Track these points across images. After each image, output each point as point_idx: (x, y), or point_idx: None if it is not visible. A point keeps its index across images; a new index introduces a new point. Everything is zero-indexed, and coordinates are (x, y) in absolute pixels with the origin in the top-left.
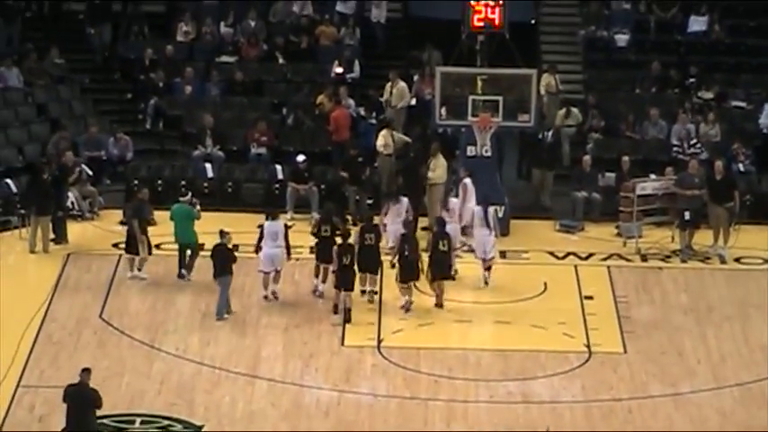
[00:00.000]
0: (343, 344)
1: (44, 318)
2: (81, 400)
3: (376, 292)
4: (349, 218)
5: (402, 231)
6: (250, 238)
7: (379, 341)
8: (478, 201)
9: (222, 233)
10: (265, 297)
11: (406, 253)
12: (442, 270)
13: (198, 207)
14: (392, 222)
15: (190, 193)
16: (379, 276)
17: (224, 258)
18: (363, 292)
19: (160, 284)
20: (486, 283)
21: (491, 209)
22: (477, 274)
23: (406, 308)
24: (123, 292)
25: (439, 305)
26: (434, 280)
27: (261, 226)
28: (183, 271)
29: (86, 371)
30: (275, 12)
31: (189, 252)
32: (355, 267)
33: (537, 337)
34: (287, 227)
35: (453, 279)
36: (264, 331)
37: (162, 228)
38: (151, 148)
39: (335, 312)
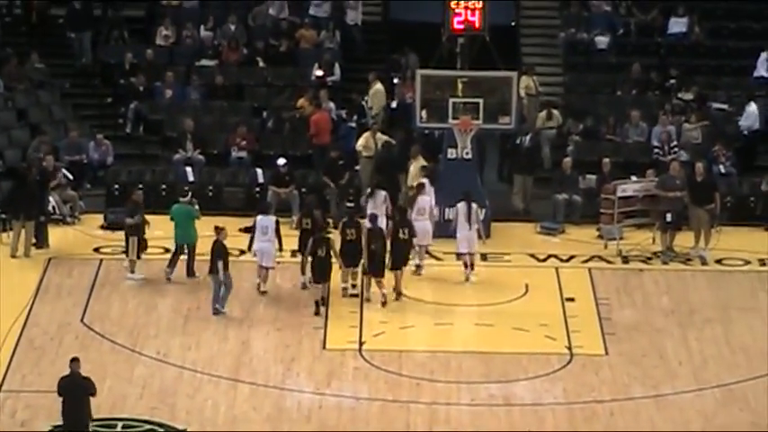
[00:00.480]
0: (324, 347)
1: (25, 322)
2: (76, 390)
3: (354, 286)
4: (330, 221)
5: (370, 226)
6: (230, 242)
7: (361, 344)
8: (460, 198)
9: (217, 229)
10: (258, 287)
11: (373, 246)
12: (402, 258)
13: (197, 207)
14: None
15: (190, 193)
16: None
17: (221, 254)
18: (345, 289)
19: (141, 289)
20: (468, 279)
21: (474, 205)
22: (456, 278)
23: (383, 301)
24: (105, 296)
25: (398, 293)
26: (393, 269)
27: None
28: (168, 272)
29: (75, 360)
30: (254, 16)
31: (188, 252)
32: (332, 260)
33: (518, 340)
34: (278, 221)
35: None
36: (246, 335)
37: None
38: (132, 152)
39: (317, 313)
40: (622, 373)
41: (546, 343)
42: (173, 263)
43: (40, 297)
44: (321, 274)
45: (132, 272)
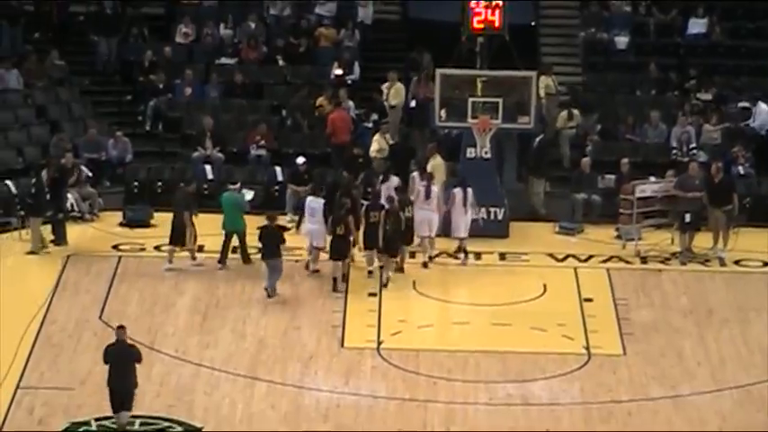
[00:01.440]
0: (342, 346)
1: (44, 319)
2: (123, 356)
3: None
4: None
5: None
6: (248, 241)
7: (379, 343)
8: (456, 184)
9: (269, 216)
10: (306, 266)
11: (388, 227)
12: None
13: (247, 197)
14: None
15: (239, 182)
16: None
17: (273, 240)
18: (370, 272)
19: (159, 286)
20: (465, 263)
21: (469, 190)
22: (475, 276)
23: (384, 283)
24: (123, 293)
25: (400, 269)
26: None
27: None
28: (220, 264)
29: (122, 328)
30: (268, 15)
31: (238, 241)
32: (351, 238)
33: (536, 340)
34: (326, 204)
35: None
36: (264, 333)
37: (163, 229)
38: (151, 149)
39: (335, 289)
40: (640, 373)
41: (564, 343)
42: (223, 254)
43: (58, 294)
44: (338, 251)
45: (194, 259)
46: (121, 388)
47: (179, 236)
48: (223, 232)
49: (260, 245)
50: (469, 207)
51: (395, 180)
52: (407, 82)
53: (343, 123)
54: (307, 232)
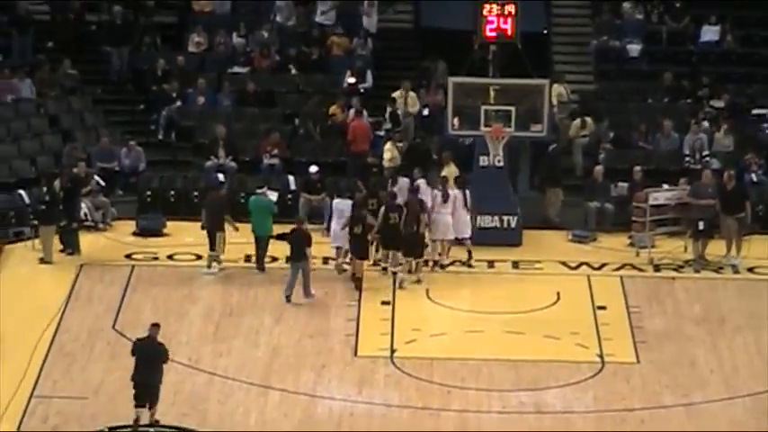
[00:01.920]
0: (356, 354)
1: (57, 329)
2: (150, 353)
3: (401, 264)
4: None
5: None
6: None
7: (393, 351)
8: (458, 186)
9: (298, 220)
10: (336, 267)
11: (409, 228)
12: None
13: (274, 199)
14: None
15: (266, 186)
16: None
17: (301, 242)
18: (385, 269)
19: (173, 295)
20: (470, 263)
21: (467, 191)
22: (489, 284)
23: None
24: (136, 303)
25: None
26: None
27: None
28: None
29: (156, 326)
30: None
31: (263, 244)
32: (369, 237)
33: (549, 348)
34: (353, 205)
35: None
36: (277, 341)
37: (176, 238)
38: (163, 158)
39: (357, 287)
40: (653, 381)
41: (577, 351)
42: (259, 259)
43: (71, 303)
44: (356, 250)
45: (219, 263)
46: (145, 383)
47: (214, 241)
48: (253, 237)
49: (289, 248)
50: (468, 208)
51: (404, 181)
52: (420, 90)
53: (364, 132)
54: (334, 234)
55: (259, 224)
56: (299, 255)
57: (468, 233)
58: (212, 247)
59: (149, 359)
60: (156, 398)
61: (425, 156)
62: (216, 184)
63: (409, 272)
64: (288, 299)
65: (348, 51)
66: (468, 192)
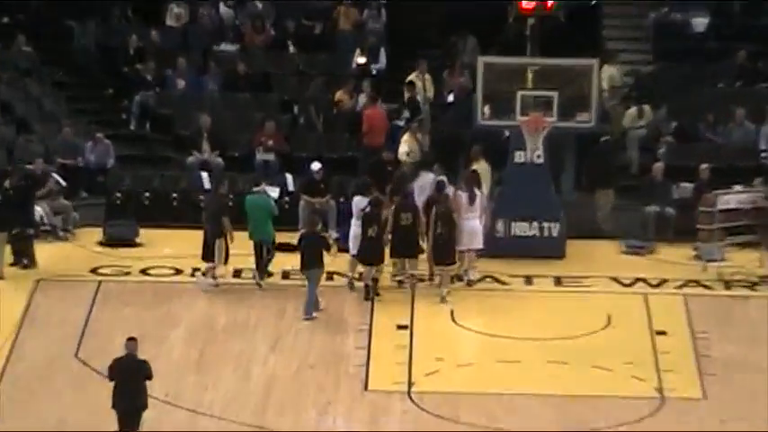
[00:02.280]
0: (366, 388)
1: (8, 356)
2: (130, 372)
3: (414, 276)
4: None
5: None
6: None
7: (410, 385)
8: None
9: (309, 222)
10: (351, 282)
11: (439, 230)
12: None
13: (273, 198)
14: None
15: (263, 183)
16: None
17: (314, 249)
18: (400, 282)
19: (148, 317)
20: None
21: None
22: (524, 305)
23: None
24: (104, 325)
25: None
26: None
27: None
28: (257, 276)
29: (133, 340)
30: None
31: (265, 251)
32: (382, 242)
33: (599, 381)
34: (371, 204)
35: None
36: (272, 371)
37: (151, 248)
38: (137, 153)
39: (367, 298)
40: (722, 420)
41: (632, 384)
42: (259, 267)
43: (26, 326)
44: (367, 255)
45: (214, 277)
46: (131, 407)
47: (212, 250)
48: (251, 243)
49: (300, 255)
50: (481, 212)
51: (429, 177)
52: (436, 72)
53: (381, 123)
54: (354, 238)
55: (258, 228)
56: (311, 262)
57: (477, 244)
58: (210, 256)
59: (132, 378)
60: (139, 421)
61: (458, 150)
62: (212, 184)
63: (430, 280)
64: (309, 319)
65: (357, 25)
66: (479, 192)
